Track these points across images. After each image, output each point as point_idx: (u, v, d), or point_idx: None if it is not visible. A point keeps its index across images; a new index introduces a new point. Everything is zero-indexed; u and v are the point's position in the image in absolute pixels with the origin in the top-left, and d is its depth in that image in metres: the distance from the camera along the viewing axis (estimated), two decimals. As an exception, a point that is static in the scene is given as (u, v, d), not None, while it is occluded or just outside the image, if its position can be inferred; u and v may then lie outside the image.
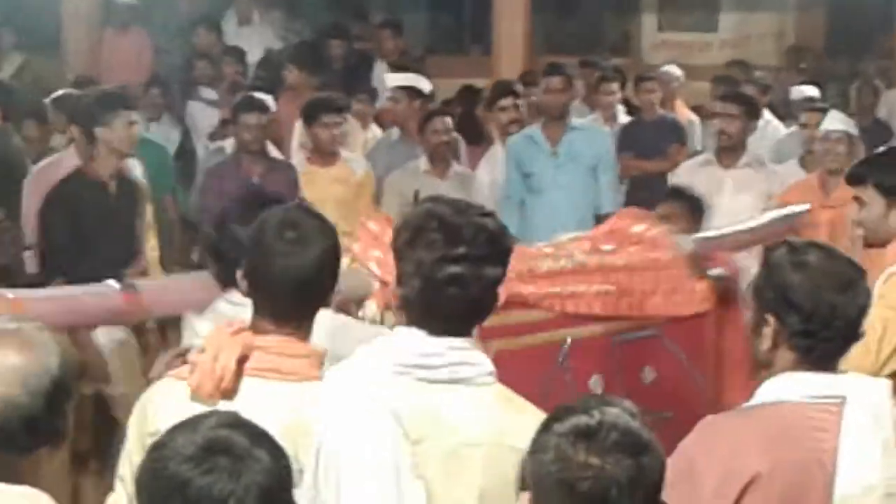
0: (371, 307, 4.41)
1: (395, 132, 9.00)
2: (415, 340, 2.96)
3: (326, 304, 3.28)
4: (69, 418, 2.68)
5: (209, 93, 10.68)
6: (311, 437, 2.92)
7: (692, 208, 6.56)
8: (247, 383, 3.09)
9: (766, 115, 9.72)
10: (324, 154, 7.89)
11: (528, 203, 8.02)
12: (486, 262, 2.95)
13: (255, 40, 12.01)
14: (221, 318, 3.46)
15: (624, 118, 10.28)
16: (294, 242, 3.11)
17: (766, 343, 3.11)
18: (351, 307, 4.33)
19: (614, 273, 4.91)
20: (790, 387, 3.06)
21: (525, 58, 12.41)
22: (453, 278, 2.91)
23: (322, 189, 7.62)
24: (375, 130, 9.70)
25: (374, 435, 2.86)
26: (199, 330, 3.72)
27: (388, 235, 4.34)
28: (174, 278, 5.44)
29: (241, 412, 2.60)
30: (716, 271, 5.22)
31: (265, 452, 2.31)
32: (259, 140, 7.66)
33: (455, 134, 8.50)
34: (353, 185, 7.90)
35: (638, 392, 4.71)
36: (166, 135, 10.11)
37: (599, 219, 7.40)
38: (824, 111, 8.03)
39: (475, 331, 3.04)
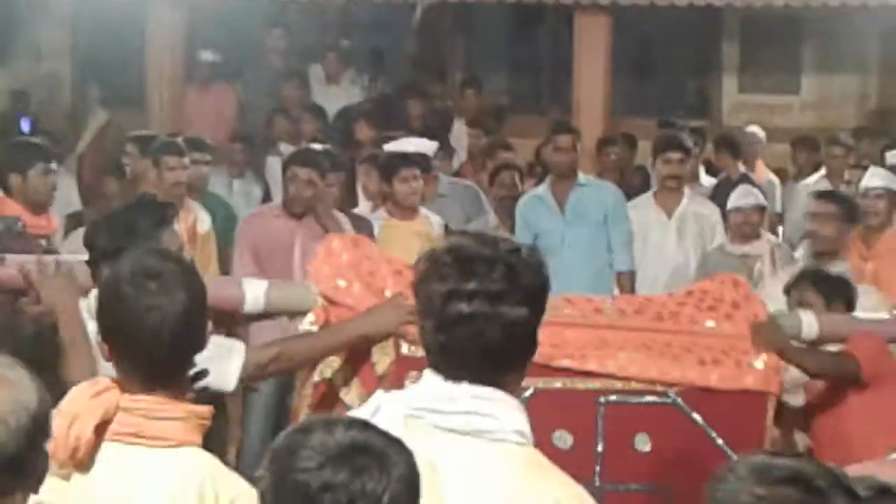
0: (307, 320, 4.31)
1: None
2: (431, 383, 2.67)
3: (200, 352, 2.97)
4: (48, 459, 2.47)
5: (289, 149, 10.74)
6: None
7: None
8: (110, 450, 2.81)
9: (846, 175, 9.61)
10: (403, 209, 7.87)
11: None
12: (503, 301, 2.58)
13: (342, 98, 12.10)
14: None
15: (705, 178, 10.23)
16: (157, 293, 2.84)
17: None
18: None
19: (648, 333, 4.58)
20: None
21: (604, 119, 12.40)
22: (462, 317, 2.58)
23: (404, 244, 7.59)
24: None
25: None
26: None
27: (346, 257, 4.40)
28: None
29: (101, 485, 2.54)
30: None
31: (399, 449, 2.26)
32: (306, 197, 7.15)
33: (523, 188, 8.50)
34: (434, 241, 7.85)
35: (625, 459, 4.47)
36: (248, 190, 10.18)
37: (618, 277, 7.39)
38: None
39: (512, 381, 2.68)
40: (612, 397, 4.50)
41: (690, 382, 4.55)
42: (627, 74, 14.22)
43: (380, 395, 2.78)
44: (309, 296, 4.38)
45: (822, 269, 5.97)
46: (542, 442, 4.15)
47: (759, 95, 14.30)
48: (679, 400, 4.54)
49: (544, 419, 4.15)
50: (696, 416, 4.55)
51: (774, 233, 9.25)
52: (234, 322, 4.56)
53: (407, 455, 2.26)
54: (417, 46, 14.92)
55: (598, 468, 4.46)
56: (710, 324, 4.68)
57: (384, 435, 2.28)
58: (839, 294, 5.47)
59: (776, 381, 4.67)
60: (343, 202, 7.77)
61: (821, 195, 7.48)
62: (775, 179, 10.77)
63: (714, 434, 4.56)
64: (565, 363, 4.45)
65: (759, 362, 4.64)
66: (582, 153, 8.68)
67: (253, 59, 12.57)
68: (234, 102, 12.10)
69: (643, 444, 4.52)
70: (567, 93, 12.92)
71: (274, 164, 10.59)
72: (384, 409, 2.68)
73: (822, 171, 10.19)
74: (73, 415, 2.78)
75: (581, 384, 4.48)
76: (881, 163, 9.65)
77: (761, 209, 7.76)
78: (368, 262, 4.48)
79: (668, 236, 8.22)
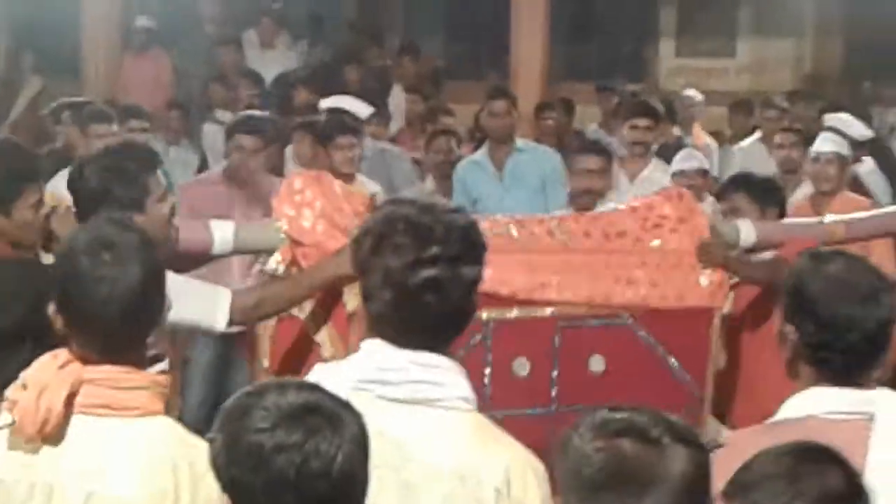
0: (274, 259, 4.29)
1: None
2: (376, 353, 2.68)
3: (158, 325, 2.92)
4: None
5: (226, 115, 10.69)
6: (203, 482, 2.63)
7: (762, 198, 5.58)
8: (76, 423, 2.75)
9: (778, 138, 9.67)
10: (339, 176, 7.80)
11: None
12: (463, 262, 2.64)
13: (278, 64, 12.04)
14: None
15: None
16: (111, 264, 2.77)
17: (786, 353, 3.03)
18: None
19: (599, 255, 4.61)
20: (814, 402, 2.97)
21: (542, 83, 12.41)
22: (429, 283, 2.61)
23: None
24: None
25: None
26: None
27: (310, 194, 4.35)
28: None
29: (72, 457, 2.52)
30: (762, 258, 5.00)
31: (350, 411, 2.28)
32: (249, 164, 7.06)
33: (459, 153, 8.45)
34: (371, 208, 7.83)
35: (581, 382, 4.50)
36: (185, 158, 10.12)
37: None
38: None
39: (450, 342, 2.72)
40: (568, 322, 4.53)
41: (645, 304, 4.60)
42: (565, 39, 14.24)
43: (318, 369, 2.79)
44: (275, 235, 4.35)
45: (753, 173, 6.00)
46: (503, 370, 4.36)
47: (696, 59, 14.38)
48: (631, 321, 4.60)
49: (504, 348, 4.37)
50: (647, 335, 4.61)
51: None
52: (196, 266, 4.53)
53: (358, 417, 2.28)
54: (355, 11, 14.88)
55: (553, 393, 4.51)
56: (655, 242, 4.73)
57: (335, 398, 2.30)
58: (771, 199, 5.55)
59: (721, 296, 4.75)
60: (274, 168, 7.71)
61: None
62: (713, 143, 10.82)
63: (663, 352, 4.63)
64: (523, 295, 4.47)
65: (705, 279, 4.71)
66: (520, 118, 8.68)
67: (188, 25, 12.48)
68: (169, 69, 12.03)
69: (598, 364, 4.56)
70: (505, 58, 12.92)
71: (210, 131, 10.55)
72: (325, 385, 2.66)
73: (757, 135, 10.25)
74: (42, 386, 2.72)
75: (538, 312, 4.51)
76: (816, 126, 9.76)
77: (704, 172, 7.74)
78: (332, 199, 4.45)
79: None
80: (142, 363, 2.86)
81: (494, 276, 3.95)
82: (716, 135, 11.03)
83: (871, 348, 2.98)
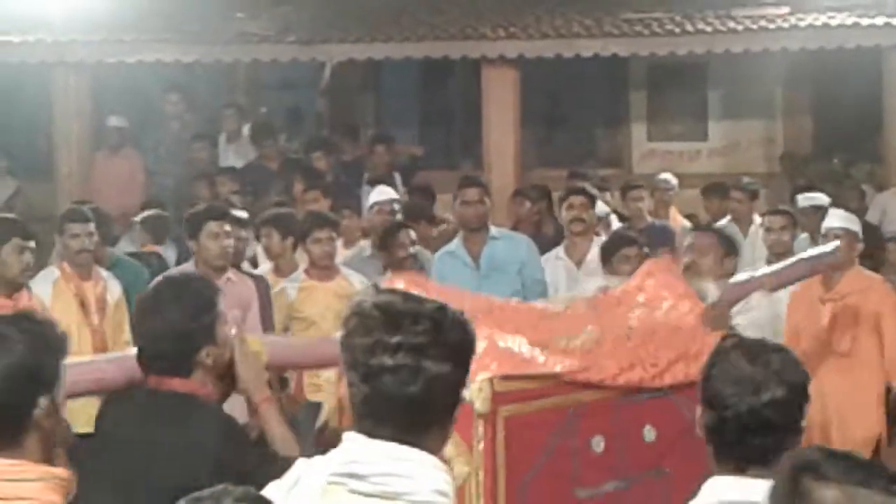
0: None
1: (367, 247, 8.93)
2: (351, 445, 2.63)
3: (31, 422, 2.87)
4: None
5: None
6: None
7: (722, 242, 6.74)
8: None
9: (757, 219, 9.72)
10: (321, 269, 7.79)
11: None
12: (426, 355, 2.59)
13: (241, 157, 12.05)
14: None
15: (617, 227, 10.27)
16: None
17: (700, 433, 3.08)
18: None
19: (639, 346, 5.14)
20: (710, 491, 2.99)
21: (515, 171, 12.47)
22: (385, 369, 2.58)
23: (323, 304, 7.54)
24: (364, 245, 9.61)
25: None
26: None
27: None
28: None
29: None
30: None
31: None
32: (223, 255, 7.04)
33: (419, 248, 8.35)
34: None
35: (639, 450, 5.07)
36: (166, 256, 10.06)
37: None
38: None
39: (436, 436, 2.68)
40: (626, 398, 5.12)
41: (684, 380, 5.06)
42: (537, 126, 14.34)
43: (301, 464, 2.74)
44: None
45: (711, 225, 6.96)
46: (586, 449, 4.88)
47: (668, 143, 14.48)
48: (670, 393, 5.19)
49: (584, 429, 4.91)
50: (685, 404, 4.93)
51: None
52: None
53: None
54: (328, 105, 14.94)
55: (622, 464, 5.09)
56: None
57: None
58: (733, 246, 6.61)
59: None
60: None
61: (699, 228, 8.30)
62: (688, 224, 10.85)
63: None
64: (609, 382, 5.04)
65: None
66: (495, 206, 8.66)
67: (157, 123, 12.51)
68: (142, 168, 12.01)
69: (650, 433, 5.18)
70: (478, 146, 12.98)
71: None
72: (304, 480, 2.65)
73: (728, 217, 10.30)
74: None
75: (603, 393, 5.05)
76: (791, 206, 9.81)
77: None
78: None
79: (578, 287, 8.20)
80: (39, 454, 2.84)
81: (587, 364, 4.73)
82: (690, 217, 11.06)
83: (745, 433, 2.97)
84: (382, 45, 12.54)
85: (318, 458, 2.72)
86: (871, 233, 9.57)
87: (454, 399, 2.68)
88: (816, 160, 13.53)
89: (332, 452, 2.69)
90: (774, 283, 6.04)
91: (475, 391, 4.39)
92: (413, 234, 8.05)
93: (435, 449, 2.66)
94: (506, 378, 4.58)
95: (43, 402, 2.86)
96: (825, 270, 6.58)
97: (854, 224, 7.32)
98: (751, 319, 5.91)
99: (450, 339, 2.64)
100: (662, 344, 5.19)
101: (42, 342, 2.89)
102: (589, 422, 4.91)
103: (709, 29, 12.43)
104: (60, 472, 2.83)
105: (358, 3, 13.19)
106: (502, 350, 4.62)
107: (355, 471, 2.58)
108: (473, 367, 3.99)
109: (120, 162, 11.96)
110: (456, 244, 8.16)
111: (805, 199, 9.48)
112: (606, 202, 10.26)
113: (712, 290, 5.68)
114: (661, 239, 9.74)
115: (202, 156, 11.76)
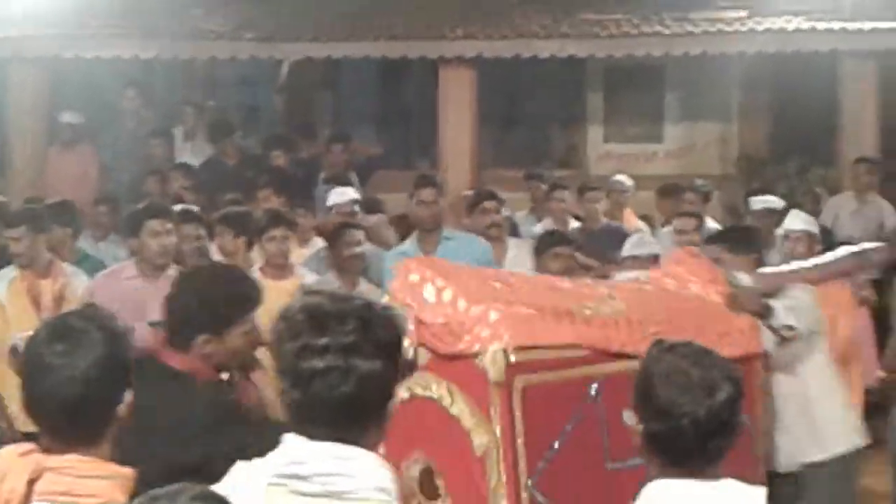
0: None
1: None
2: (290, 447, 2.63)
3: (114, 417, 2.88)
4: None
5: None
6: None
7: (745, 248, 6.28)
8: None
9: (710, 222, 9.76)
10: (275, 267, 7.75)
11: (409, 317, 7.85)
12: (357, 354, 2.59)
13: (198, 155, 12.00)
14: None
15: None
16: (63, 354, 2.79)
17: (637, 443, 3.08)
18: None
19: (665, 318, 5.02)
20: (656, 493, 3.00)
21: (472, 171, 12.48)
22: (315, 372, 2.58)
23: (277, 302, 7.44)
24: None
25: None
26: None
27: (430, 273, 4.68)
28: None
29: None
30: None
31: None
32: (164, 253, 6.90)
33: (368, 247, 8.29)
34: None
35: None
36: (114, 253, 10.00)
37: None
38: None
39: (373, 434, 2.69)
40: None
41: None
42: (494, 126, 14.34)
43: (240, 466, 2.73)
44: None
45: (728, 227, 6.96)
46: (616, 423, 4.62)
47: (624, 144, 14.52)
48: None
49: (613, 401, 4.56)
50: None
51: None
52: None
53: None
54: (285, 103, 14.90)
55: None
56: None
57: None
58: (749, 245, 6.23)
59: (756, 340, 5.28)
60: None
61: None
62: (643, 226, 10.88)
63: None
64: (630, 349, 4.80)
65: (745, 323, 5.27)
66: (447, 206, 8.64)
67: (114, 119, 12.44)
68: (96, 164, 11.94)
69: None
70: (435, 146, 12.98)
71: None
72: (245, 482, 2.64)
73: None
74: (3, 471, 2.73)
75: (631, 364, 4.84)
76: (745, 208, 9.87)
77: (656, 258, 7.72)
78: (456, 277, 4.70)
79: None
80: (102, 454, 2.83)
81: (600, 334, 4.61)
82: (645, 219, 11.10)
83: (705, 437, 2.98)
84: (340, 44, 12.52)
85: (256, 461, 2.71)
86: (825, 236, 9.65)
87: (388, 395, 2.68)
88: (773, 163, 13.60)
89: (271, 454, 2.69)
90: (817, 277, 5.99)
91: (489, 362, 4.34)
92: (361, 233, 8.00)
93: (373, 445, 2.67)
94: (521, 348, 4.45)
95: (127, 396, 2.87)
96: (871, 268, 6.50)
97: (813, 226, 7.44)
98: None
99: (379, 336, 2.65)
100: (688, 323, 5.01)
101: (120, 337, 2.89)
102: (616, 396, 4.69)
103: (667, 31, 12.48)
104: (127, 471, 2.83)
105: (316, 2, 13.15)
106: (518, 320, 4.54)
107: (297, 471, 2.58)
108: (487, 336, 4.26)
109: (73, 158, 11.87)
110: (410, 243, 8.14)
111: (759, 202, 9.55)
112: (563, 201, 10.29)
113: (745, 279, 5.65)
114: (615, 240, 9.79)
115: (158, 152, 11.69)
